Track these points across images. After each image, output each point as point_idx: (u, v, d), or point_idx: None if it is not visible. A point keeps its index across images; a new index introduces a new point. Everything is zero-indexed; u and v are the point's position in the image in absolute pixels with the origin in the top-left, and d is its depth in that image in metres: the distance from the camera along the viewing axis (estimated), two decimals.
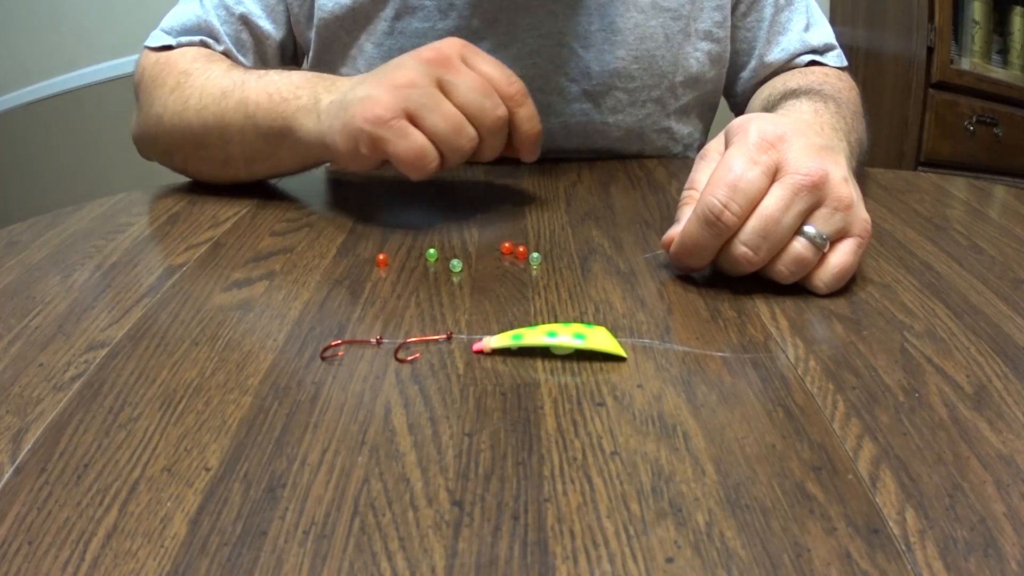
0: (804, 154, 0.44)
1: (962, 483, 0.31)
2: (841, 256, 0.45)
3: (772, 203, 0.43)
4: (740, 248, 0.44)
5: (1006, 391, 0.37)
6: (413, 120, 0.52)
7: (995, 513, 0.29)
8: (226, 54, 0.73)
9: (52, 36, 2.11)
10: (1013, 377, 0.38)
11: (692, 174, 0.50)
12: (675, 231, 0.47)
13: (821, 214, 0.44)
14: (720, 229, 0.44)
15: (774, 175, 0.44)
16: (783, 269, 0.45)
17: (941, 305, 0.46)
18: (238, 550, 0.28)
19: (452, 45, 0.54)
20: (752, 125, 0.45)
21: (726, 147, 0.47)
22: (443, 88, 0.52)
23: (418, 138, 0.51)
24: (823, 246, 0.45)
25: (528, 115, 0.55)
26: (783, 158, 0.44)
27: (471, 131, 0.53)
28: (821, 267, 0.45)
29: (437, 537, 0.29)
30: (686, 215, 0.47)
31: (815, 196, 0.44)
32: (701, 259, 0.46)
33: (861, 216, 0.46)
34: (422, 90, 0.51)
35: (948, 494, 0.30)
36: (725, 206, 0.43)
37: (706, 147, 0.50)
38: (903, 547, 0.28)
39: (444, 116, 0.51)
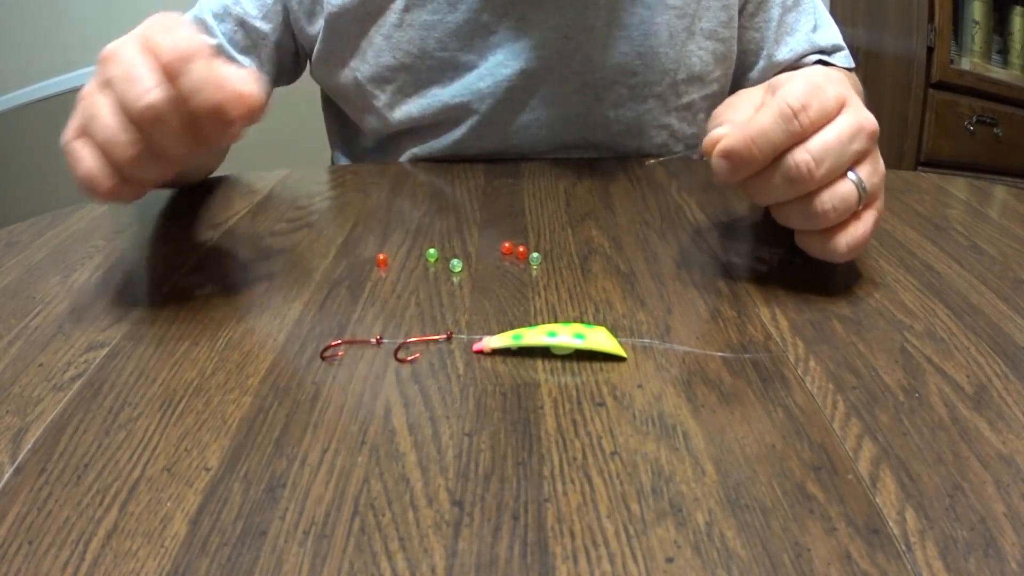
0: (864, 107, 0.44)
1: (962, 483, 0.31)
2: (865, 224, 0.45)
3: (841, 126, 0.42)
4: (803, 155, 0.42)
5: (1006, 391, 0.37)
6: (85, 137, 0.43)
7: (995, 513, 0.29)
8: (218, 47, 0.75)
9: (52, 36, 2.11)
10: (1013, 377, 0.38)
11: (730, 99, 0.48)
12: (719, 132, 0.43)
13: (866, 168, 0.44)
14: (793, 128, 0.41)
15: (841, 108, 0.43)
16: (828, 201, 0.43)
17: (941, 305, 0.46)
18: (238, 550, 0.28)
19: (134, 34, 0.43)
20: (818, 67, 0.44)
21: (763, 96, 0.46)
22: (107, 88, 0.42)
23: (83, 161, 0.42)
24: (863, 198, 0.43)
25: (192, 86, 0.39)
26: (850, 97, 0.44)
27: (122, 136, 0.41)
28: (845, 229, 0.44)
29: (437, 537, 0.29)
30: (722, 128, 0.44)
31: (870, 144, 0.43)
32: (753, 161, 0.42)
33: (883, 193, 0.46)
34: (88, 100, 0.42)
35: (948, 494, 0.30)
36: (804, 107, 0.41)
37: (739, 92, 0.49)
38: (903, 547, 0.28)
39: (100, 126, 0.41)
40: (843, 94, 0.43)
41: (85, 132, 0.42)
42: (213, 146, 0.43)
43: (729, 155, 0.42)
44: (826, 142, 0.42)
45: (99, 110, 0.41)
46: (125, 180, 0.42)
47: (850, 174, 0.43)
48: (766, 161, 0.42)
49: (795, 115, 0.41)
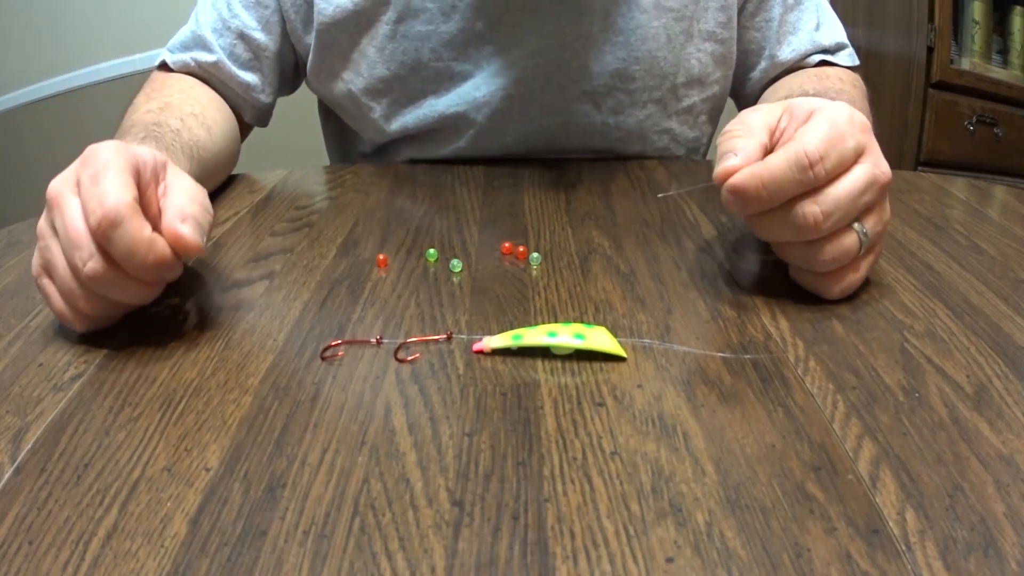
0: (881, 154, 0.43)
1: (962, 483, 0.31)
2: (860, 273, 0.45)
3: (855, 178, 0.42)
4: (813, 208, 0.41)
5: (1006, 391, 0.37)
6: (50, 277, 0.43)
7: (995, 513, 0.29)
8: (218, 63, 0.74)
9: (52, 36, 2.11)
10: (1013, 377, 0.38)
11: (743, 116, 0.46)
12: (731, 164, 0.42)
13: (872, 218, 0.43)
14: (807, 178, 0.41)
15: (859, 157, 0.43)
16: (829, 252, 0.43)
17: (941, 305, 0.46)
18: (238, 550, 0.28)
19: (68, 173, 0.42)
20: (843, 104, 0.44)
21: (780, 117, 0.45)
22: (57, 238, 0.42)
23: (52, 301, 0.43)
24: (863, 246, 0.43)
25: (122, 254, 0.39)
26: (869, 146, 0.43)
27: (77, 292, 0.41)
28: (840, 275, 0.45)
29: (437, 537, 0.29)
30: (738, 148, 0.43)
31: (880, 196, 0.43)
32: (761, 202, 0.41)
33: (883, 237, 0.46)
34: (44, 243, 0.42)
35: (948, 494, 0.30)
36: (822, 158, 0.41)
37: (756, 107, 0.47)
38: (903, 547, 0.28)
39: (57, 277, 0.42)
40: (863, 143, 0.42)
41: (48, 271, 0.42)
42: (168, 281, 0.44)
43: (737, 193, 0.41)
44: (837, 197, 0.41)
45: (54, 259, 0.42)
46: (90, 320, 0.43)
47: (855, 224, 0.43)
48: (774, 205, 0.42)
49: (811, 166, 0.40)
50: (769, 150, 0.44)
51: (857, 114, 0.43)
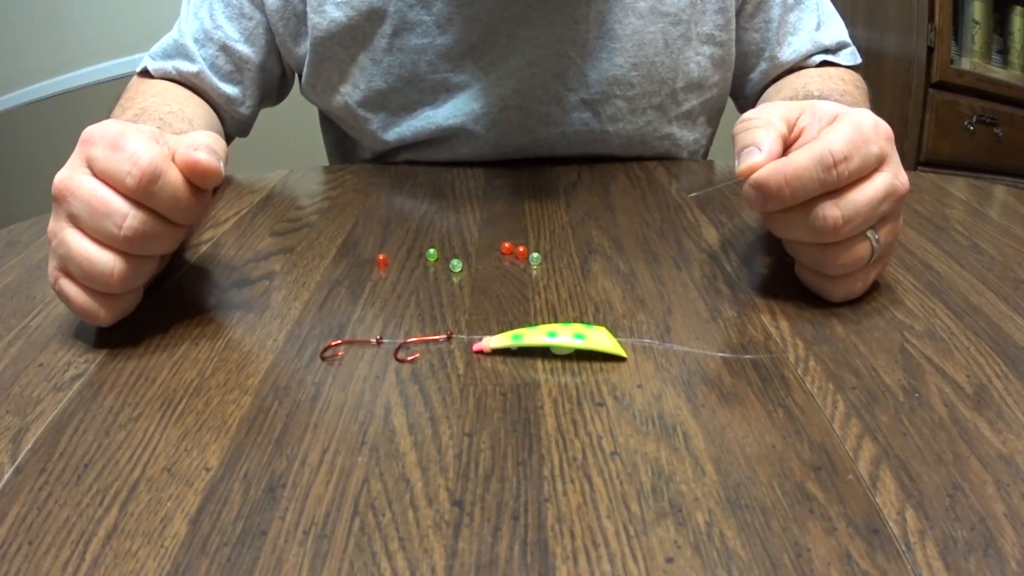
0: (901, 166, 0.43)
1: (962, 483, 0.31)
2: (866, 282, 0.45)
3: (876, 187, 0.42)
4: (834, 211, 0.41)
5: (1006, 391, 0.37)
6: (68, 275, 0.42)
7: (995, 513, 0.29)
8: (199, 74, 0.74)
9: (52, 36, 2.11)
10: (1013, 377, 0.38)
11: (759, 107, 0.46)
12: (755, 161, 0.42)
13: (887, 228, 0.43)
14: (830, 177, 0.40)
15: (881, 165, 0.42)
16: (841, 257, 0.43)
17: (941, 305, 0.46)
18: (238, 550, 0.28)
19: (72, 160, 0.42)
20: (867, 111, 0.44)
21: (799, 114, 0.45)
22: (74, 222, 0.41)
23: (73, 298, 0.42)
24: (874, 254, 0.43)
25: (168, 202, 0.40)
26: (891, 156, 0.43)
27: (105, 265, 0.40)
28: (846, 282, 0.45)
29: (437, 537, 0.29)
30: (760, 142, 0.43)
31: (897, 208, 0.43)
32: (783, 199, 0.41)
33: (893, 248, 0.46)
34: (58, 239, 0.41)
35: (948, 494, 0.30)
36: (846, 158, 0.40)
37: (771, 104, 0.46)
38: (903, 547, 0.28)
39: (78, 264, 0.40)
40: (886, 151, 0.42)
41: (65, 270, 0.42)
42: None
43: (759, 188, 0.42)
44: (858, 204, 0.41)
45: (71, 250, 0.40)
46: (117, 300, 0.42)
47: (869, 233, 0.43)
48: (795, 203, 0.42)
49: (835, 165, 0.40)
50: (787, 142, 0.44)
51: (882, 123, 0.43)
